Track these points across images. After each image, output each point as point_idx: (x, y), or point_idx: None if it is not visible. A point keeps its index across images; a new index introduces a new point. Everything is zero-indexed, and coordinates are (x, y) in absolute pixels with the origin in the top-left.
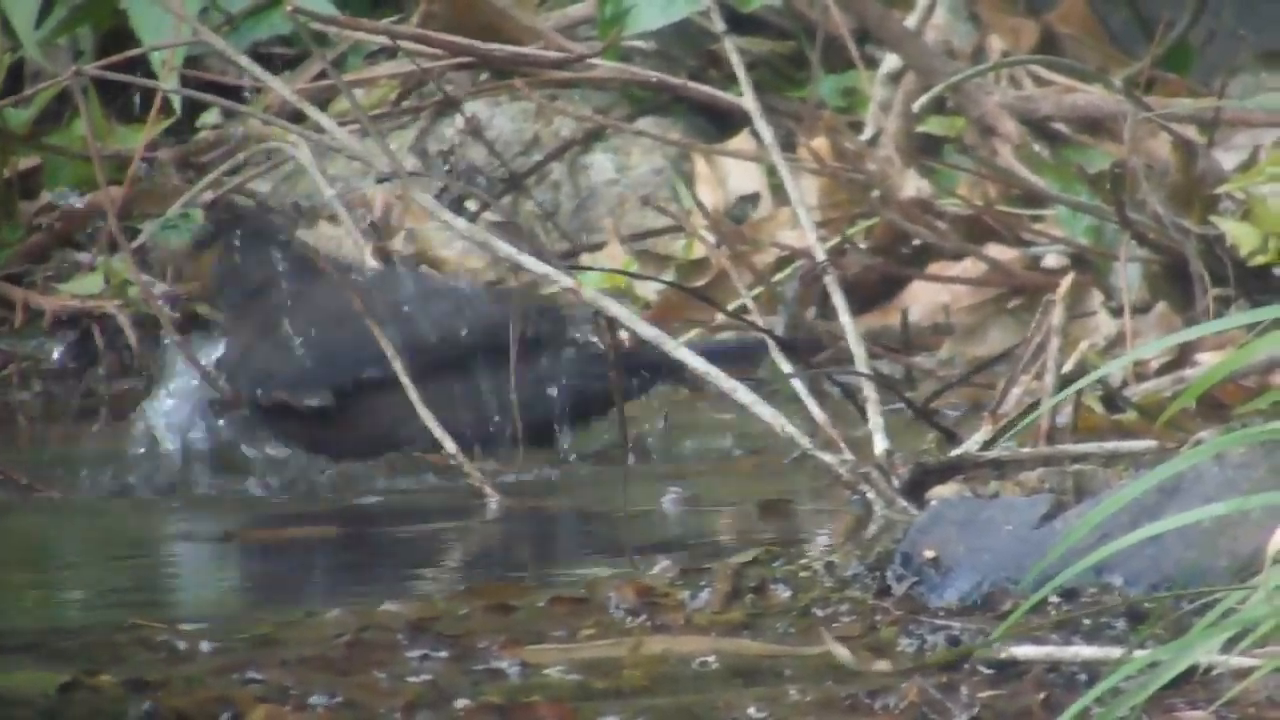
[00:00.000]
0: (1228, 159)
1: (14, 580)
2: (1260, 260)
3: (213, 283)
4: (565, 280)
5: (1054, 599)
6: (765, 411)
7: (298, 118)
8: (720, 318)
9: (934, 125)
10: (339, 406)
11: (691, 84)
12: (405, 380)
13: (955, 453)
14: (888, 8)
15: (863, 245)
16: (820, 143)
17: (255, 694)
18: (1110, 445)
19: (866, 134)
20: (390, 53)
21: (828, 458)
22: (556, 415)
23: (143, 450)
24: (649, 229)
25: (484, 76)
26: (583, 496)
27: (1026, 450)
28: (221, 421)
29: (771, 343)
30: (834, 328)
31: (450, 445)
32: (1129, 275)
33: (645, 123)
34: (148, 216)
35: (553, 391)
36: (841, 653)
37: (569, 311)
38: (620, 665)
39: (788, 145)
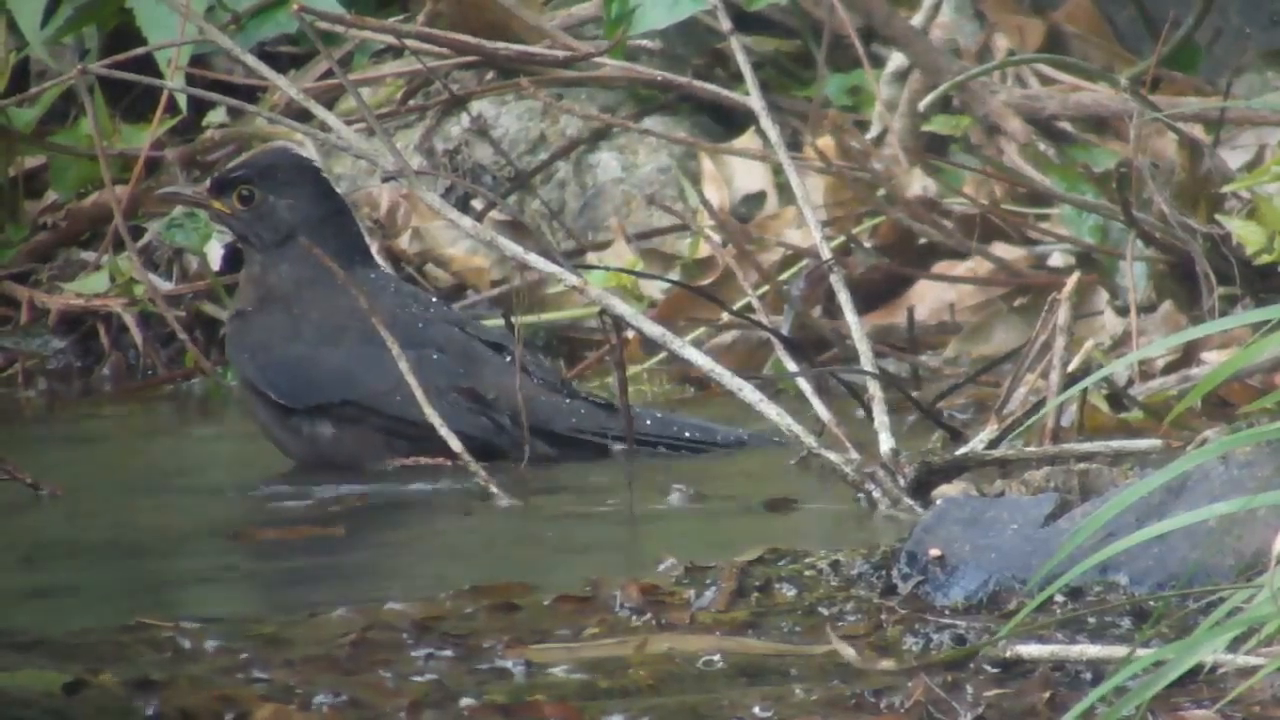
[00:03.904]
0: (1234, 158)
1: (18, 579)
2: (1266, 259)
3: (242, 220)
4: (571, 279)
5: (1059, 598)
6: (771, 410)
7: (304, 116)
8: (726, 317)
9: (940, 124)
10: (313, 422)
11: (697, 83)
12: (419, 394)
13: (961, 451)
14: (894, 6)
15: (868, 244)
16: (826, 141)
17: (260, 693)
18: (1116, 444)
19: (872, 133)
20: (396, 52)
21: (833, 456)
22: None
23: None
24: (655, 228)
25: (490, 75)
26: (587, 495)
27: (1032, 449)
28: None
29: (777, 341)
30: (840, 326)
31: (457, 444)
32: (1135, 274)
33: (651, 122)
34: (153, 215)
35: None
36: (847, 651)
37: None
38: (625, 664)
39: (794, 144)
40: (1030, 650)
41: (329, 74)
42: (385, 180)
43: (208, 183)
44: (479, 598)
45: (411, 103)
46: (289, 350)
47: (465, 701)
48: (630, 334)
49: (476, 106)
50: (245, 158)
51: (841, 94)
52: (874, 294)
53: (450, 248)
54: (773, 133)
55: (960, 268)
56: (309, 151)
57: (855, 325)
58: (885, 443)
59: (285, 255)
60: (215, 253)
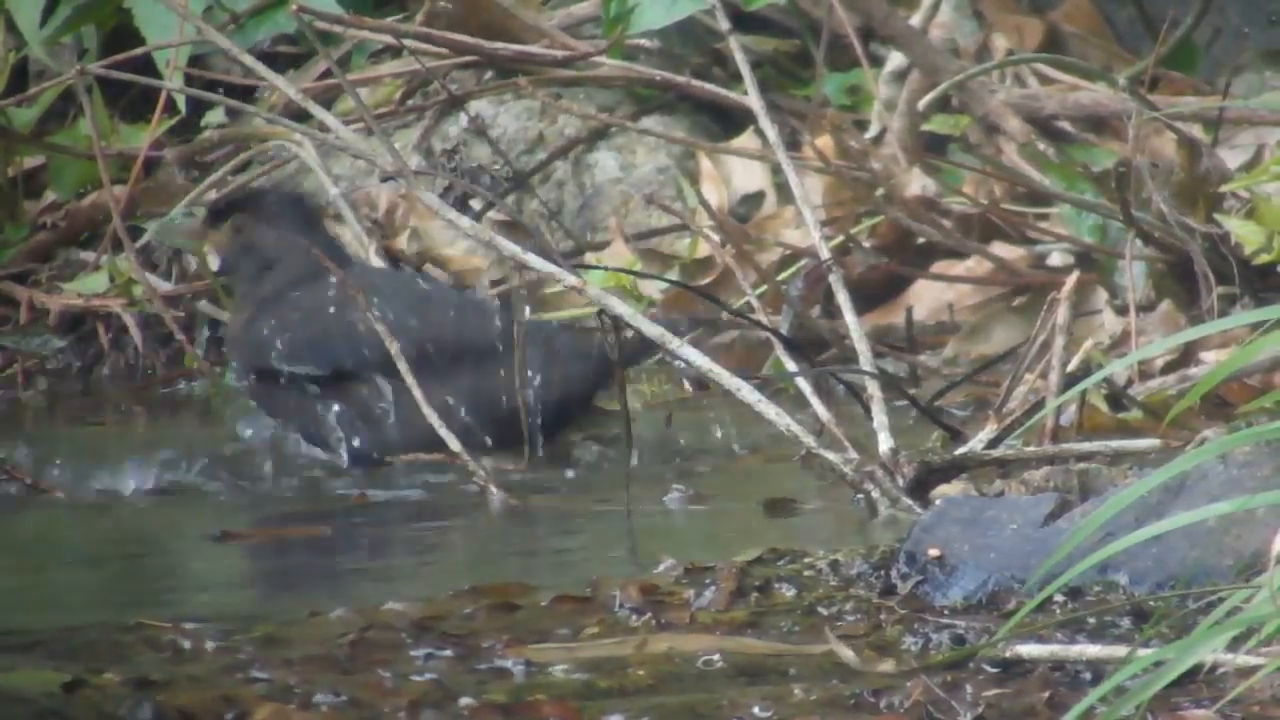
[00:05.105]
0: (1232, 157)
1: (18, 579)
2: (1265, 259)
3: (230, 251)
4: (570, 279)
5: (1059, 598)
6: (770, 410)
7: (302, 117)
8: (725, 316)
9: (939, 124)
10: (331, 391)
11: (696, 82)
12: (408, 377)
13: (960, 451)
14: (892, 6)
15: (867, 244)
16: (825, 141)
17: (260, 693)
18: (1115, 444)
19: (871, 132)
20: (395, 52)
21: (833, 456)
22: (536, 417)
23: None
24: (653, 228)
25: (488, 75)
26: (587, 495)
27: (1031, 449)
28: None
29: (776, 341)
30: (838, 326)
31: (456, 444)
32: (1134, 274)
33: (650, 121)
34: (152, 215)
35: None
36: (846, 652)
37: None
38: (625, 664)
39: (792, 144)
40: (1030, 650)
41: (327, 74)
42: (384, 180)
43: (205, 214)
44: (479, 598)
45: (410, 103)
46: (312, 322)
47: (465, 701)
48: (629, 333)
49: (475, 106)
50: (238, 189)
51: (840, 93)
52: (873, 294)
53: (449, 248)
54: (771, 132)
55: (959, 267)
56: (308, 152)
57: (854, 325)
58: (884, 443)
59: (268, 277)
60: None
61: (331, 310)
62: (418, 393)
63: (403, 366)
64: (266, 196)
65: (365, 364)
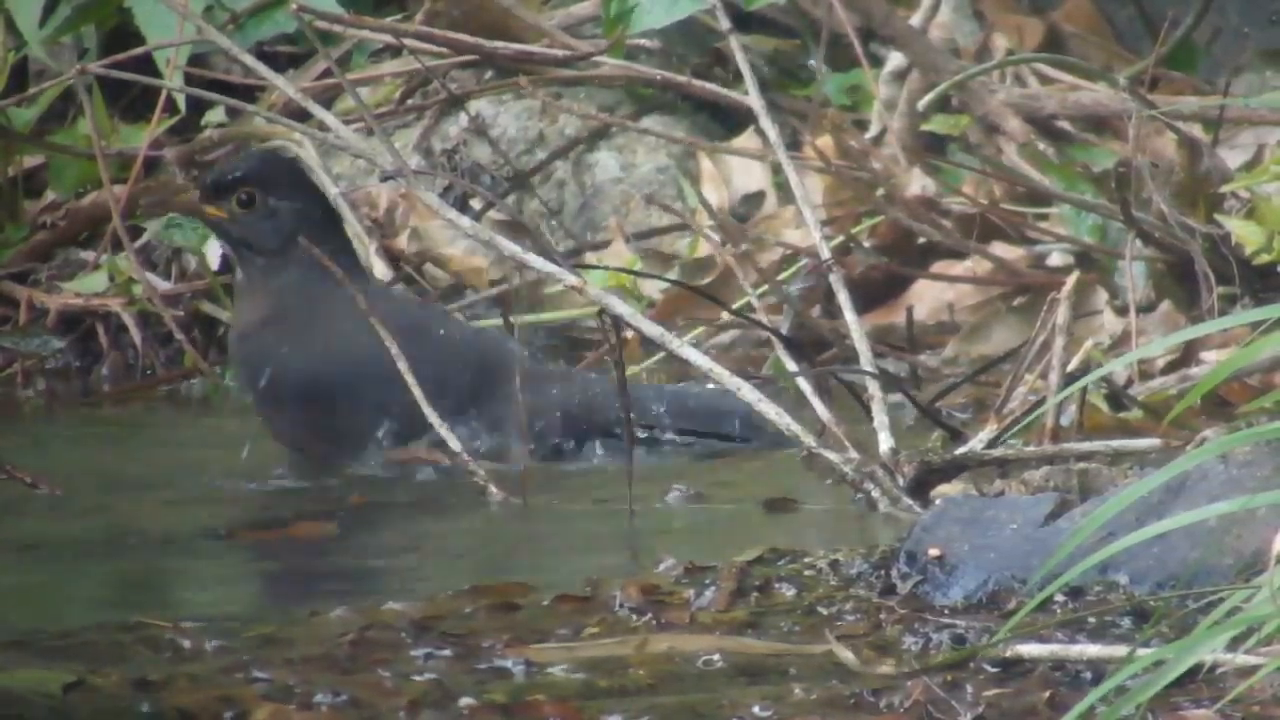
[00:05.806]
0: (1233, 157)
1: (17, 579)
2: (1265, 259)
3: (240, 226)
4: (570, 279)
5: (1059, 597)
6: (770, 409)
7: (302, 116)
8: (725, 316)
9: (939, 124)
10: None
11: (696, 82)
12: (419, 395)
13: (960, 451)
14: (892, 6)
15: (867, 244)
16: (825, 141)
17: (260, 693)
18: (1115, 444)
19: (871, 132)
20: (395, 51)
21: (833, 456)
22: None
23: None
24: (654, 227)
25: (489, 75)
26: (586, 494)
27: (1031, 449)
28: None
29: (777, 341)
30: (839, 326)
31: (455, 444)
32: (1134, 274)
33: (650, 121)
34: (152, 215)
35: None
36: (845, 652)
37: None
38: (625, 664)
39: (793, 144)
40: (1030, 650)
41: (327, 73)
42: (384, 180)
43: (198, 188)
44: (478, 597)
45: (410, 102)
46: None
47: (465, 701)
48: (629, 333)
49: (475, 106)
50: (239, 160)
51: (840, 93)
52: (873, 294)
53: (449, 247)
54: (771, 132)
55: (959, 267)
56: (308, 152)
57: (854, 325)
58: (884, 442)
59: (289, 260)
60: (213, 252)
61: (336, 330)
62: (419, 393)
63: (403, 366)
64: (276, 164)
65: (366, 383)
